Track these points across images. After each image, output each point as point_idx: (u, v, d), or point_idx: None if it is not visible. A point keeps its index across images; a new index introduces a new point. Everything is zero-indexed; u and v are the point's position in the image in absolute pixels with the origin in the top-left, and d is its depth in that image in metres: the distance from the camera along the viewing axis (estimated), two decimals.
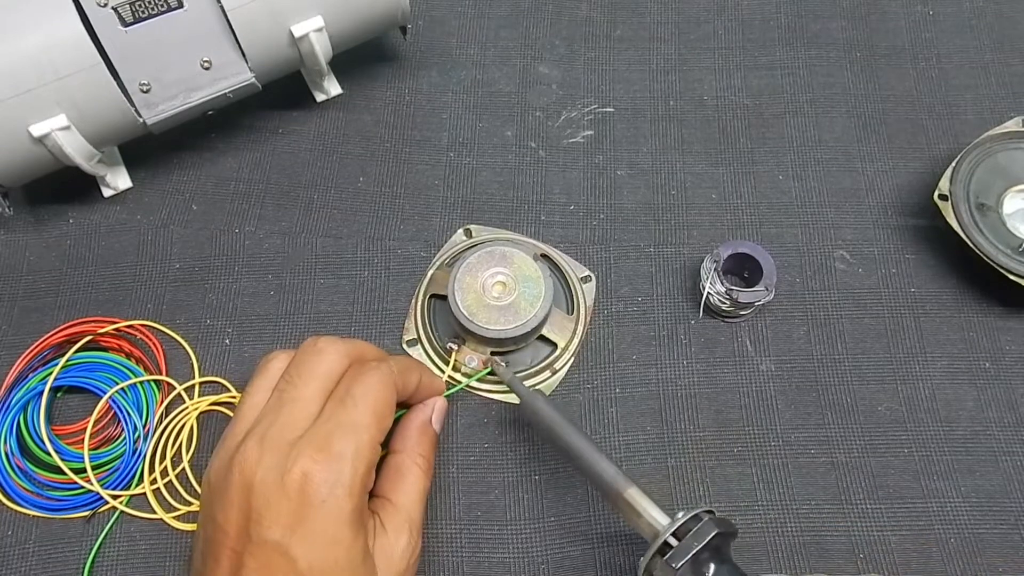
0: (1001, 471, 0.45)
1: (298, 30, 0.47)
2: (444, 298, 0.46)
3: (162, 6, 0.44)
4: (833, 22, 0.59)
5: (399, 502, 0.37)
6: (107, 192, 0.52)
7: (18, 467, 0.44)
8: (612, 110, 0.56)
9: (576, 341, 0.48)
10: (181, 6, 0.45)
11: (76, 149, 0.45)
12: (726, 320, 0.49)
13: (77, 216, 0.51)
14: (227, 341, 0.48)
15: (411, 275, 0.50)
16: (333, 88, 0.56)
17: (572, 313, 0.48)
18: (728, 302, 0.47)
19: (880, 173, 0.54)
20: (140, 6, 0.44)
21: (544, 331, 0.46)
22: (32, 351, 0.46)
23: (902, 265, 0.51)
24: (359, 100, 0.56)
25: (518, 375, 0.46)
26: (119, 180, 0.52)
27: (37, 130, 0.43)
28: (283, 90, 0.53)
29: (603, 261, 0.51)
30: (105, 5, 0.43)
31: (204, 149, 0.54)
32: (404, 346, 0.48)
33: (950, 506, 0.44)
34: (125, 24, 0.44)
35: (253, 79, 0.49)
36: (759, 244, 0.48)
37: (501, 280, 0.45)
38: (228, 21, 0.46)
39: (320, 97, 0.55)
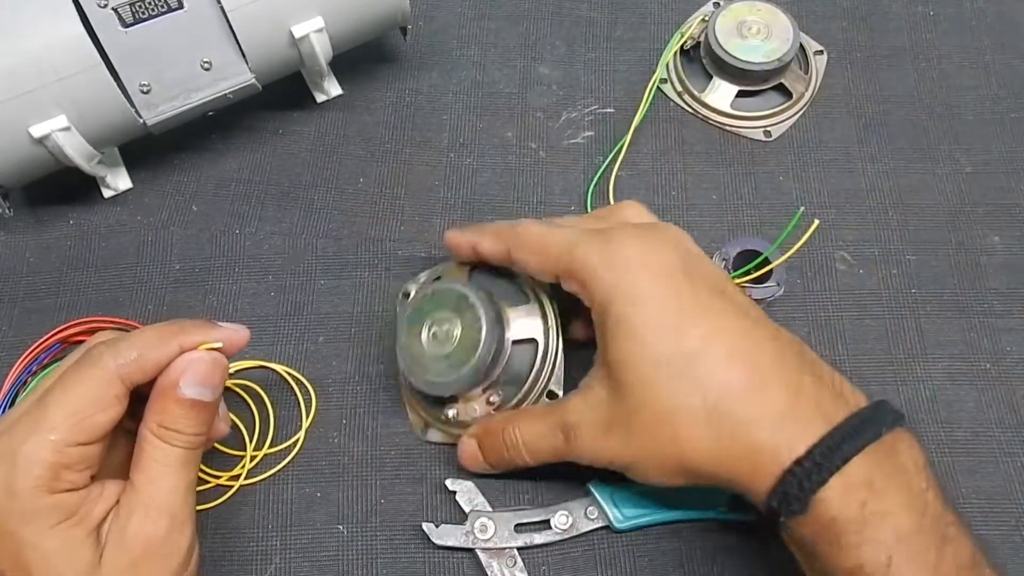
0: (1002, 472, 0.45)
1: (298, 31, 0.47)
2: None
3: (162, 7, 0.44)
4: (833, 22, 0.59)
5: (135, 480, 0.34)
6: (107, 193, 0.52)
7: None
8: (612, 110, 0.56)
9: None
10: (181, 7, 0.45)
11: (76, 150, 0.45)
12: None
13: (77, 217, 0.51)
14: None
15: (412, 276, 0.50)
16: (333, 89, 0.56)
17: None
18: None
19: (881, 174, 0.54)
20: (140, 7, 0.44)
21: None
22: (32, 352, 0.46)
23: (903, 266, 0.51)
24: (359, 101, 0.56)
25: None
26: (119, 181, 0.52)
27: (37, 131, 0.43)
28: (283, 91, 0.53)
29: None
30: (105, 6, 0.43)
31: (204, 150, 0.54)
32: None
33: None
34: (125, 25, 0.44)
35: (253, 80, 0.49)
36: (766, 240, 0.48)
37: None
38: (228, 22, 0.46)
39: (320, 98, 0.55)
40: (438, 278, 0.46)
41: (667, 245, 0.38)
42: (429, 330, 0.42)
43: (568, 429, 0.38)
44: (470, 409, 0.43)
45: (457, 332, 0.41)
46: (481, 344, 0.40)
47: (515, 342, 0.42)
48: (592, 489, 0.43)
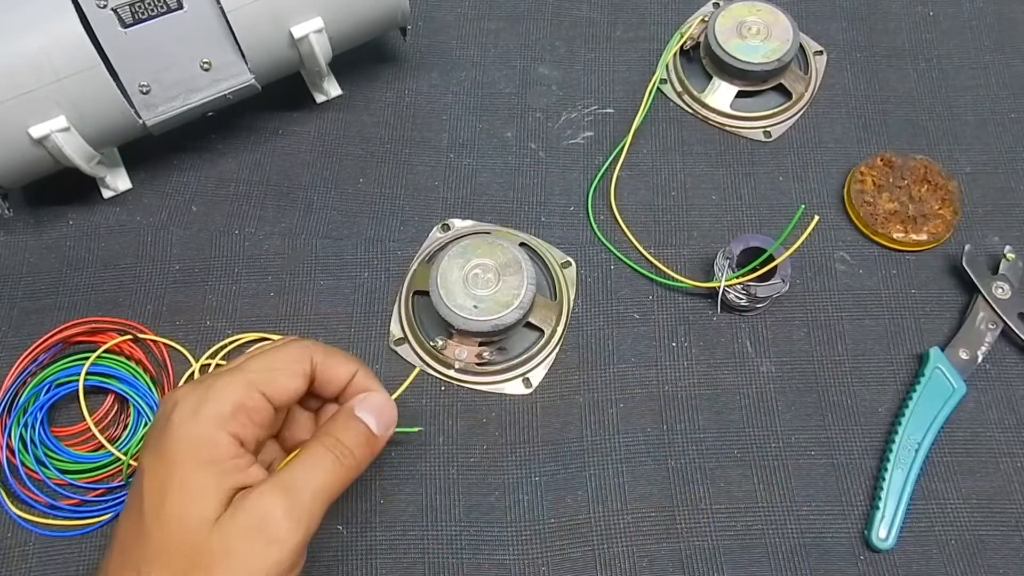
0: (1001, 472, 0.45)
1: (298, 31, 0.47)
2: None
3: (162, 7, 0.44)
4: (833, 22, 0.59)
5: (281, 470, 0.35)
6: (107, 193, 0.52)
7: (28, 474, 0.44)
8: (612, 111, 0.56)
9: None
10: (181, 7, 0.45)
11: (76, 150, 0.45)
12: (742, 314, 0.49)
13: (77, 218, 0.51)
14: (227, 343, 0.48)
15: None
16: (333, 89, 0.56)
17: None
18: (745, 297, 0.47)
19: None
20: (140, 7, 0.44)
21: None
22: (32, 352, 0.46)
23: (902, 266, 0.51)
24: (359, 101, 0.56)
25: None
26: (119, 181, 0.52)
27: (37, 132, 0.43)
28: (283, 91, 0.53)
29: (602, 262, 0.51)
30: (105, 6, 0.43)
31: (204, 150, 0.54)
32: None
33: (950, 507, 0.44)
34: (125, 25, 0.44)
35: (253, 80, 0.49)
36: (770, 238, 0.48)
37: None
38: (228, 22, 0.46)
39: (320, 98, 0.55)
40: (486, 232, 0.50)
41: None
42: (470, 268, 0.45)
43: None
44: (460, 351, 0.46)
45: (495, 285, 0.45)
46: (511, 309, 0.44)
47: (527, 324, 0.47)
48: None
